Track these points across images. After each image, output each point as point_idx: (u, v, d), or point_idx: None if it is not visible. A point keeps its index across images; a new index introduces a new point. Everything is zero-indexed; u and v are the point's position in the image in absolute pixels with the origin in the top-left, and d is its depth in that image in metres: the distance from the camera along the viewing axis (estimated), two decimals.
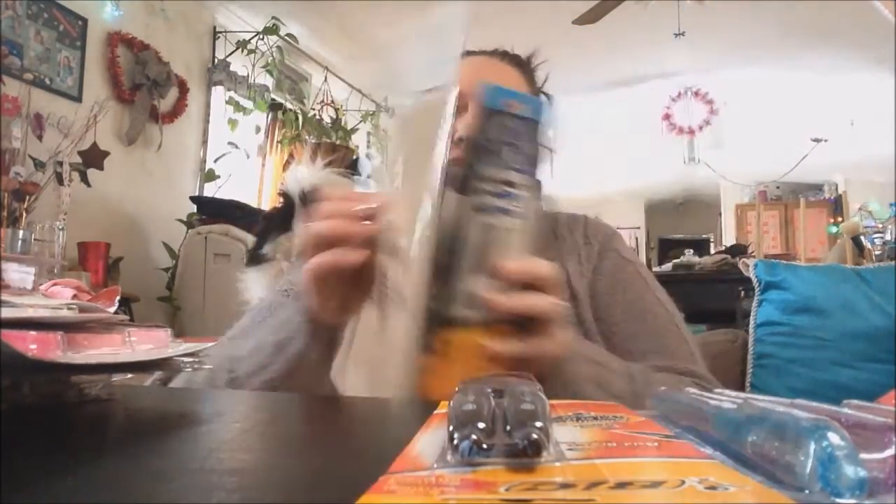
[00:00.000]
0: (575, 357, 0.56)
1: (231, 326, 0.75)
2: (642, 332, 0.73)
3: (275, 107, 4.43)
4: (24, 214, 2.73)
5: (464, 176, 0.45)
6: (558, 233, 0.83)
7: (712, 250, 5.26)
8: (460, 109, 0.76)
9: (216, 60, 4.10)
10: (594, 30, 3.96)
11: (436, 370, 0.50)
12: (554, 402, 0.32)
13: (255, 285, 0.95)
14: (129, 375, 0.45)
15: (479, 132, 0.45)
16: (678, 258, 3.75)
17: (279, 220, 0.97)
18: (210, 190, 3.97)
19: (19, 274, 0.41)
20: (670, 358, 0.70)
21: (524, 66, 0.83)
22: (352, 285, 0.52)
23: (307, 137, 4.41)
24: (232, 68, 4.12)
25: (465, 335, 0.49)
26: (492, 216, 0.46)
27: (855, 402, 0.26)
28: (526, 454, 0.20)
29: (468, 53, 0.84)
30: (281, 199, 0.97)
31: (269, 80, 4.30)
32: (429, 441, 0.25)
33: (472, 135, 0.45)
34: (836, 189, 8.00)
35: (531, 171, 0.47)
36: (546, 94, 0.86)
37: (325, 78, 4.75)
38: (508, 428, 0.22)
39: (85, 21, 3.25)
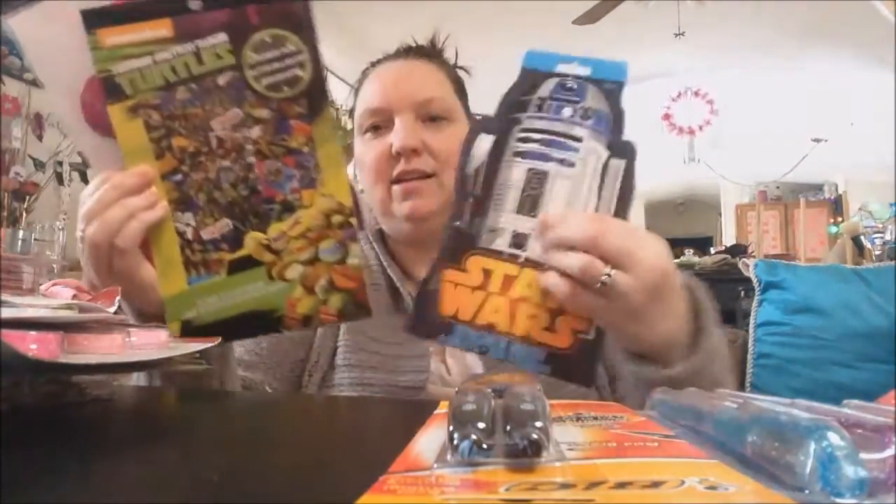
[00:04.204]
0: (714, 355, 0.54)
1: None
2: None
3: None
4: (24, 214, 2.73)
5: (503, 127, 0.50)
6: None
7: (712, 250, 5.26)
8: (387, 124, 0.75)
9: None
10: (594, 30, 3.96)
11: (459, 289, 0.50)
12: (554, 402, 0.32)
13: None
14: (129, 375, 0.45)
15: (519, 92, 0.50)
16: (678, 258, 3.75)
17: None
18: None
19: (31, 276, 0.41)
20: None
21: (432, 54, 0.82)
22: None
23: None
24: None
25: (505, 267, 0.50)
26: (533, 162, 0.49)
27: (855, 402, 0.26)
28: (526, 454, 0.20)
29: (374, 64, 0.82)
30: None
31: None
32: (429, 441, 0.25)
33: (510, 95, 0.50)
34: (836, 189, 8.00)
35: (598, 127, 0.50)
36: (465, 70, 0.84)
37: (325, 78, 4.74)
38: (508, 428, 0.22)
39: None
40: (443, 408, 0.32)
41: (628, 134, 0.50)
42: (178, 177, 0.51)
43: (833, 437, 0.19)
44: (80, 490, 0.22)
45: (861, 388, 1.20)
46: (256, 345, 0.72)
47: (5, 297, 0.33)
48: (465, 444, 0.21)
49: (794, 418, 0.21)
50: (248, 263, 0.52)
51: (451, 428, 0.22)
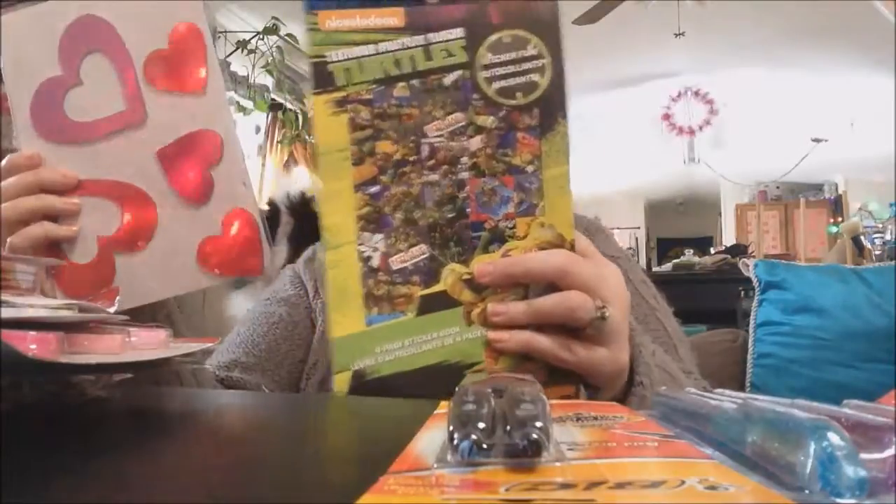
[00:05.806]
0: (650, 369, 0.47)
1: (230, 328, 0.75)
2: None
3: (275, 107, 4.43)
4: None
5: None
6: None
7: (712, 250, 5.27)
8: None
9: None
10: (594, 30, 3.96)
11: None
12: (554, 402, 0.32)
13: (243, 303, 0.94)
14: (129, 375, 0.45)
15: None
16: (678, 258, 3.75)
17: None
18: None
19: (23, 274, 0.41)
20: None
21: None
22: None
23: (307, 137, 4.41)
24: (232, 68, 4.12)
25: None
26: None
27: (855, 402, 0.26)
28: (526, 454, 0.20)
29: None
30: (267, 208, 0.94)
31: (269, 80, 4.30)
32: (429, 441, 0.25)
33: None
34: (836, 189, 8.00)
35: None
36: None
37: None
38: (508, 428, 0.22)
39: None
40: (443, 408, 0.32)
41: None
42: (376, 188, 0.43)
43: (833, 437, 0.19)
44: (81, 490, 0.22)
45: (861, 388, 1.20)
46: (255, 346, 0.72)
47: (5, 297, 0.33)
48: (465, 444, 0.21)
49: (794, 418, 0.21)
50: (443, 302, 0.43)
51: (451, 428, 0.22)
